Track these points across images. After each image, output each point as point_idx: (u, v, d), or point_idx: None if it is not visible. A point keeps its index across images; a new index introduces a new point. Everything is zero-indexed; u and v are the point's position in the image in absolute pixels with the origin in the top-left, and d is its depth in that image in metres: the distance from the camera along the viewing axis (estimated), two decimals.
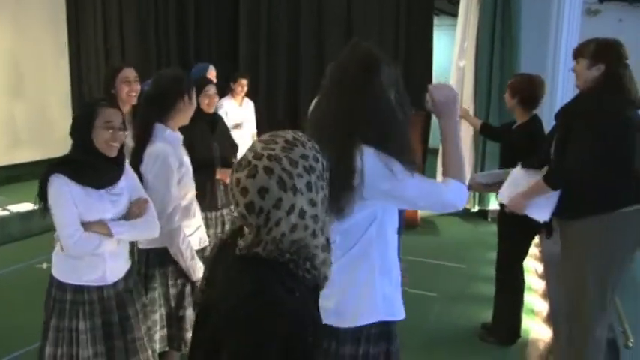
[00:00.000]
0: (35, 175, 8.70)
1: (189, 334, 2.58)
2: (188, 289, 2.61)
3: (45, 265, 4.72)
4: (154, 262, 2.58)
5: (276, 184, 1.09)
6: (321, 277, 1.20)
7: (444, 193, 1.75)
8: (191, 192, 2.64)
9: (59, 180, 2.13)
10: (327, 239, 1.20)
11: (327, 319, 1.47)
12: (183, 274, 2.58)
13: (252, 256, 1.15)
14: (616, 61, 2.61)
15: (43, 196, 2.17)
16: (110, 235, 2.17)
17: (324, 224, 1.17)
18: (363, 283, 1.77)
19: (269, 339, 1.06)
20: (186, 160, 2.60)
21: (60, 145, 8.82)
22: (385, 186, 1.68)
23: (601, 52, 2.62)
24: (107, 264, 2.25)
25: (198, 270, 2.53)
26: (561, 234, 2.82)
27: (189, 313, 2.60)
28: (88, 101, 2.52)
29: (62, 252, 2.19)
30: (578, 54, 2.72)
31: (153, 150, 2.45)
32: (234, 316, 1.10)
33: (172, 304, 2.60)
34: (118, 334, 2.28)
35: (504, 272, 3.51)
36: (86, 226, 2.14)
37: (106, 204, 2.20)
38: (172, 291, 2.59)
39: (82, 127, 2.17)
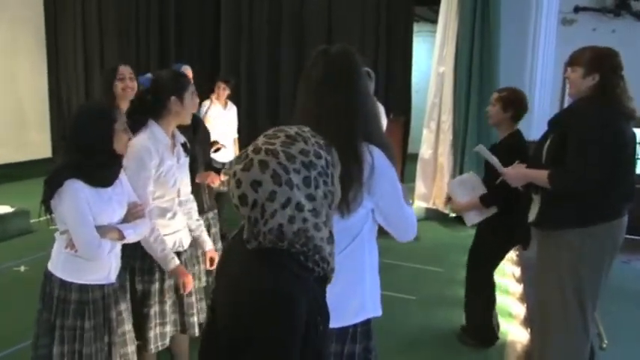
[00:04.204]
0: (10, 177, 8.49)
1: (150, 333, 2.60)
2: (154, 287, 2.60)
3: (22, 268, 4.64)
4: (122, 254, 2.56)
5: (270, 178, 1.11)
6: (329, 268, 1.23)
7: (413, 217, 1.84)
8: (170, 194, 2.62)
9: (75, 185, 2.13)
10: (330, 232, 1.23)
11: None
12: (149, 272, 2.59)
13: (264, 250, 1.17)
14: (611, 71, 2.54)
15: (48, 200, 2.17)
16: (122, 239, 2.25)
17: (327, 218, 1.19)
18: (354, 283, 1.78)
19: (288, 333, 1.09)
20: (171, 162, 2.57)
21: (36, 147, 8.74)
22: (387, 185, 1.72)
23: (597, 62, 2.55)
24: (112, 264, 2.32)
25: (170, 262, 2.54)
26: (538, 245, 2.79)
27: (153, 312, 2.61)
28: (99, 104, 2.52)
29: (72, 253, 2.19)
30: (573, 61, 2.62)
31: (133, 142, 2.46)
32: (249, 312, 1.12)
33: (137, 300, 2.59)
34: (114, 329, 2.35)
35: (474, 274, 3.55)
36: (100, 232, 2.18)
37: (114, 205, 2.24)
38: (138, 287, 2.58)
39: (105, 132, 2.18)
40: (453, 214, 6.37)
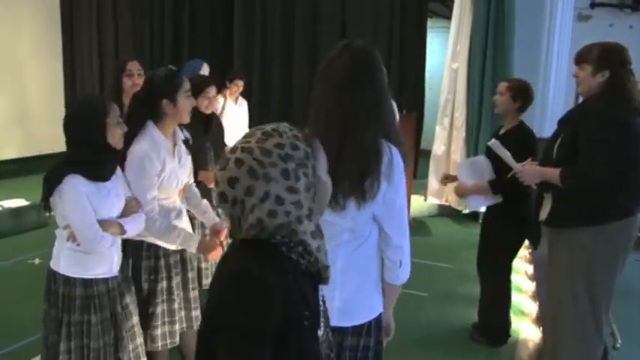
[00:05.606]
0: (26, 170, 8.56)
1: (157, 331, 2.60)
2: (160, 286, 2.60)
3: (37, 261, 4.72)
4: (128, 254, 2.56)
5: (246, 173, 1.13)
6: (320, 265, 1.22)
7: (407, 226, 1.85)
8: (174, 195, 2.59)
9: (75, 180, 2.14)
10: (317, 226, 1.22)
11: (332, 320, 1.47)
12: (155, 271, 2.59)
13: (247, 240, 1.18)
14: (620, 66, 2.51)
15: (48, 196, 2.18)
16: (123, 233, 2.26)
17: (310, 211, 1.19)
18: (365, 284, 1.82)
19: (259, 318, 1.08)
20: (172, 165, 2.52)
21: (48, 142, 8.83)
22: (400, 180, 1.74)
23: (605, 58, 2.51)
24: (114, 257, 2.33)
25: (192, 242, 2.51)
26: (549, 245, 2.76)
27: (160, 310, 2.60)
28: (90, 98, 2.50)
29: (75, 248, 2.21)
30: (581, 59, 2.60)
31: (134, 149, 2.42)
32: (224, 296, 1.13)
33: (143, 299, 2.57)
34: (121, 322, 2.35)
35: (486, 271, 3.53)
36: (102, 226, 2.19)
37: (113, 199, 2.25)
38: (145, 286, 2.58)
39: (96, 126, 2.16)
40: (467, 211, 6.35)
